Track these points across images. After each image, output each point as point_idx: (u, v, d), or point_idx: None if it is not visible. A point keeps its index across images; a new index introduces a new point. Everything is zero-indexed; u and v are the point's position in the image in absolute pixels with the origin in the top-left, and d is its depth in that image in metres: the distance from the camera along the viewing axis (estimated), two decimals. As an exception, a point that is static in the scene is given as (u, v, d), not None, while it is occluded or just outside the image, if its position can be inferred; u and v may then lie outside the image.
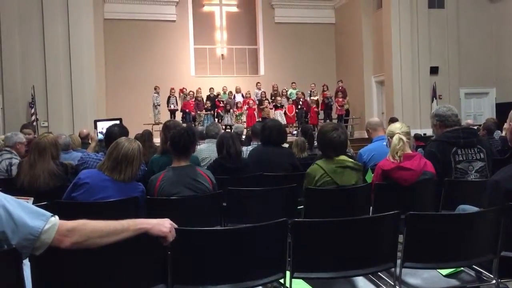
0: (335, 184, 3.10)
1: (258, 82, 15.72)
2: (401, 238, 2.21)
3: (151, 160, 3.95)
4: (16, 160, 4.43)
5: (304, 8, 17.79)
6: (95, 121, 5.30)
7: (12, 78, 11.43)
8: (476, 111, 15.10)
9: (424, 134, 9.20)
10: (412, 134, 5.53)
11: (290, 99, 14.70)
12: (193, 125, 12.23)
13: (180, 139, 3.06)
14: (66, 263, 1.60)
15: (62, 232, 1.49)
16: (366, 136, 4.88)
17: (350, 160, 3.18)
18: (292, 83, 15.32)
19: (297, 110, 14.52)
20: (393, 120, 7.71)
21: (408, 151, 3.20)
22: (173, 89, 14.41)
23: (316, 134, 6.93)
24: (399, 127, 3.44)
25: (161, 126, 4.96)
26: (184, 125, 4.15)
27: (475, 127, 6.63)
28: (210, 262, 1.90)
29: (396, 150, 3.15)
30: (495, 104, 14.89)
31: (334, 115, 14.79)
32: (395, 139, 3.20)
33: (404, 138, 3.18)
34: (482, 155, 3.39)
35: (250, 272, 1.94)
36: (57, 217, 1.52)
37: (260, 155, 4.29)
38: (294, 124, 14.49)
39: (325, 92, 14.87)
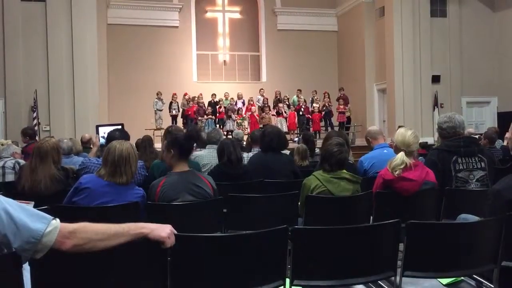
0: (330, 194, 3.12)
1: (262, 89, 15.69)
2: (401, 246, 2.21)
3: (152, 165, 3.96)
4: (22, 161, 4.47)
5: (307, 16, 17.83)
6: (97, 126, 5.29)
7: (15, 82, 11.48)
8: (478, 120, 15.10)
9: (426, 142, 9.20)
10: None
11: (292, 106, 14.70)
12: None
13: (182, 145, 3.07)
14: (65, 268, 1.60)
15: (63, 235, 1.50)
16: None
17: (348, 172, 3.21)
18: (297, 90, 15.26)
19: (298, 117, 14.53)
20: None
21: (412, 160, 3.19)
22: (175, 94, 14.42)
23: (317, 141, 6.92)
24: (412, 139, 3.20)
25: (162, 131, 4.96)
26: (185, 130, 4.16)
27: (477, 136, 6.62)
28: (210, 269, 1.90)
29: (396, 169, 3.13)
30: (497, 113, 14.90)
31: (335, 122, 14.80)
32: (398, 158, 3.14)
33: (407, 161, 3.11)
34: (483, 164, 3.38)
35: (250, 279, 1.94)
36: (58, 220, 1.53)
37: (260, 162, 4.29)
38: (296, 131, 14.49)
39: (326, 99, 14.90)
